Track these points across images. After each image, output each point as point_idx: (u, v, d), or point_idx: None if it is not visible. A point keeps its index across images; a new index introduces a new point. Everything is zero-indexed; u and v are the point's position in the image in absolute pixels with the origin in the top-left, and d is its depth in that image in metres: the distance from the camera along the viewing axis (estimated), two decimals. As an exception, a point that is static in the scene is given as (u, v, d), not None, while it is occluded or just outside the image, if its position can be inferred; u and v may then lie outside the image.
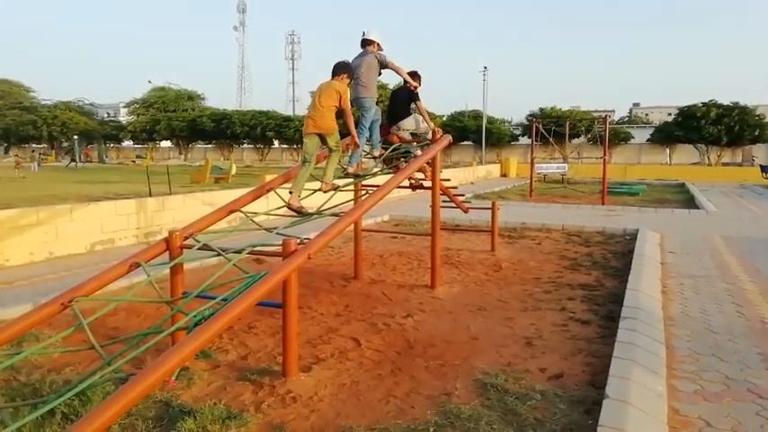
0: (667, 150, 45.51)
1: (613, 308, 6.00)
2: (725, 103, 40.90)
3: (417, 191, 7.90)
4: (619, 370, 4.07)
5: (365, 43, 6.67)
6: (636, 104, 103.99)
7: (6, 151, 66.38)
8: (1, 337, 3.58)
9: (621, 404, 3.55)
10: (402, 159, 7.25)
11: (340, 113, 5.81)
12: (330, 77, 5.82)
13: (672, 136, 43.19)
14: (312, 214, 5.75)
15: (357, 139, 6.21)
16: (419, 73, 7.21)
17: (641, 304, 5.82)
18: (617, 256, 9.09)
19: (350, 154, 6.59)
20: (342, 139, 6.04)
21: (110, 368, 3.25)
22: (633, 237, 10.43)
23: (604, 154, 18.77)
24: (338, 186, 6.34)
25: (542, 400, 3.85)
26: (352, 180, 6.78)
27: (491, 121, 48.10)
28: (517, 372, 4.36)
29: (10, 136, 63.29)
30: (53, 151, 60.17)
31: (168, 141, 62.03)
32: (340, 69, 5.83)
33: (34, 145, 60.39)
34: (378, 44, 6.66)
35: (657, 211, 15.40)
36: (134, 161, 53.25)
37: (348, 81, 5.93)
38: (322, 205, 5.86)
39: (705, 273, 7.78)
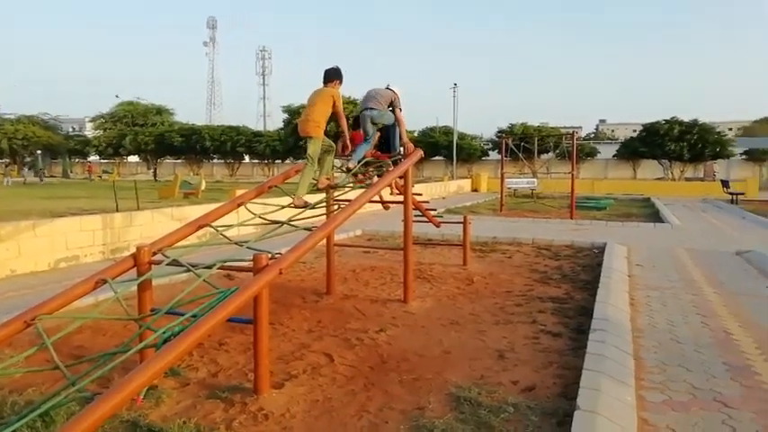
0: (632, 166, 46.68)
1: (583, 320, 6.09)
2: (686, 120, 42.35)
3: (391, 205, 7.94)
4: (589, 381, 4.12)
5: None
6: (602, 121, 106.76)
7: (-35, 167, 64.36)
8: (-41, 358, 3.45)
9: (592, 415, 3.59)
10: (374, 174, 7.28)
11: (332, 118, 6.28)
12: (322, 84, 6.30)
13: (636, 152, 44.38)
14: (316, 204, 6.33)
15: (348, 141, 6.67)
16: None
17: (610, 316, 5.92)
18: (586, 269, 9.24)
19: (348, 155, 6.97)
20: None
21: (74, 388, 3.15)
22: (601, 250, 10.62)
23: (572, 169, 19.12)
24: (336, 185, 6.71)
25: (515, 413, 3.87)
26: (323, 197, 6.81)
27: (462, 136, 48.67)
28: (490, 385, 4.38)
29: (-31, 150, 61.40)
30: (15, 166, 58.57)
31: (136, 156, 60.99)
32: (332, 75, 6.28)
33: (-3, 160, 58.66)
34: (397, 96, 7.14)
35: (624, 225, 15.73)
36: (100, 176, 52.21)
37: (340, 86, 6.32)
38: (292, 217, 5.84)
39: (671, 285, 7.96)
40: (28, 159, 57.84)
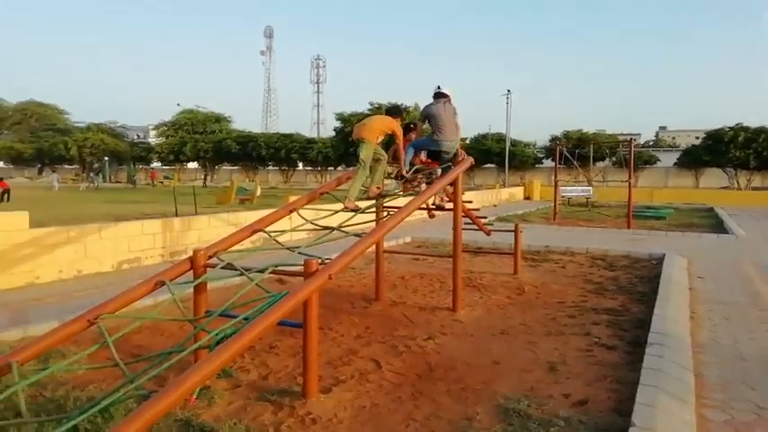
0: (695, 174, 44.79)
1: (640, 333, 5.87)
2: (753, 127, 40.29)
3: (440, 212, 7.91)
4: (645, 397, 3.97)
5: (440, 95, 7.19)
6: (662, 128, 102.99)
7: (40, 172, 68.35)
8: (28, 353, 3.65)
9: (648, 433, 3.46)
10: (425, 181, 7.28)
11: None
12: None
13: (699, 160, 42.57)
14: (366, 209, 6.59)
15: (403, 169, 6.92)
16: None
17: (669, 330, 5.69)
18: (643, 280, 8.92)
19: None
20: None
21: (132, 385, 3.29)
22: (660, 261, 10.24)
23: (629, 177, 18.54)
24: (386, 194, 6.86)
25: (566, 427, 3.77)
26: (374, 201, 6.86)
27: (514, 143, 47.99)
28: (540, 397, 4.29)
29: (43, 157, 65.17)
30: (83, 172, 61.71)
31: (195, 163, 63.10)
32: (395, 112, 6.95)
33: (66, 166, 62.01)
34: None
35: (685, 236, 15.11)
36: (161, 182, 54.27)
37: (399, 121, 6.80)
38: (343, 223, 5.90)
39: (735, 299, 7.58)
40: (96, 165, 60.90)
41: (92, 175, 49.56)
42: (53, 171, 47.04)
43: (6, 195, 27.46)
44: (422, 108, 7.38)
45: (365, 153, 6.32)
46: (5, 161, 71.51)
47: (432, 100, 7.19)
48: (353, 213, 6.23)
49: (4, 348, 5.00)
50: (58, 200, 28.46)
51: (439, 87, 7.22)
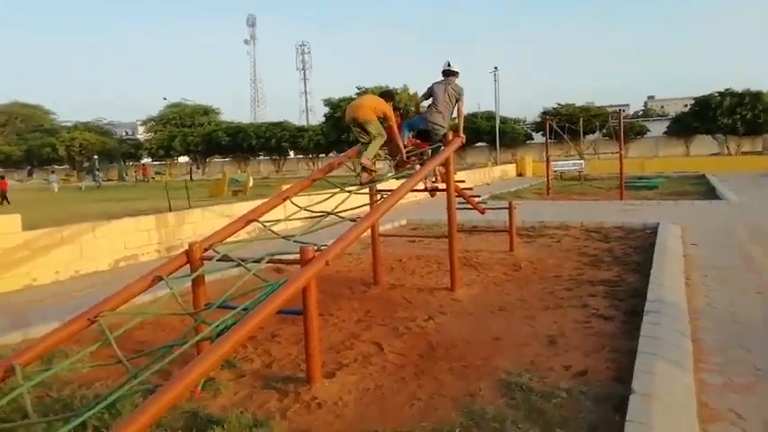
0: (685, 142, 44.88)
1: (636, 302, 5.93)
2: (739, 91, 40.13)
3: (435, 194, 7.92)
4: (644, 365, 4.03)
5: (448, 73, 7.09)
6: (651, 97, 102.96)
7: (30, 174, 67.88)
8: (30, 355, 3.66)
9: (649, 398, 3.51)
10: (417, 162, 7.27)
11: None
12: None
13: (689, 127, 42.65)
14: (382, 179, 6.74)
15: (404, 154, 6.86)
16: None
17: (665, 298, 5.76)
18: (638, 250, 8.99)
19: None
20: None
21: (137, 380, 3.31)
22: (653, 230, 10.31)
23: (620, 149, 18.60)
24: (375, 173, 6.76)
25: (568, 398, 3.83)
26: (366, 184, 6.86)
27: (504, 121, 47.92)
28: (541, 370, 4.34)
29: (32, 158, 64.69)
30: (75, 172, 61.30)
31: (185, 157, 62.74)
32: (387, 96, 6.80)
33: (55, 166, 61.59)
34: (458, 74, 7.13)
35: (677, 204, 15.20)
36: (153, 177, 53.98)
37: (391, 106, 6.68)
38: (335, 207, 5.91)
39: (729, 264, 7.66)
40: (86, 165, 60.49)
41: (96, 173, 49.04)
42: (52, 172, 46.72)
43: (5, 198, 27.44)
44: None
45: (373, 127, 6.34)
46: (-6, 164, 70.94)
47: (440, 76, 7.12)
48: (347, 195, 6.22)
49: (6, 352, 5.00)
50: (54, 200, 28.31)
51: (449, 64, 7.10)
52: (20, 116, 73.29)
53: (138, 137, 71.45)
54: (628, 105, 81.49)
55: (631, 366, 4.05)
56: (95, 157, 55.63)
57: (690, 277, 7.00)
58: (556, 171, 24.44)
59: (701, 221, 11.65)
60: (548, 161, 21.36)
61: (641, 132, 46.71)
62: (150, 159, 64.41)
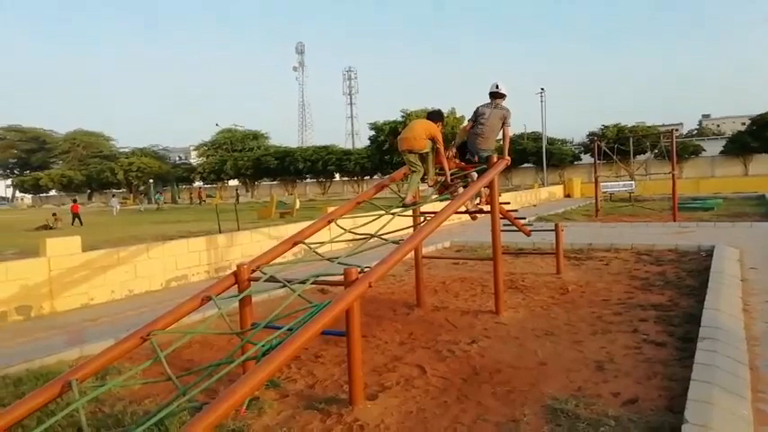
0: (743, 162, 43.11)
1: (690, 328, 5.71)
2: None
3: (479, 215, 7.89)
4: (698, 393, 3.87)
5: (495, 95, 7.15)
6: (705, 116, 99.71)
7: (90, 197, 71.17)
8: (86, 371, 3.82)
9: (703, 429, 3.37)
10: (461, 184, 7.26)
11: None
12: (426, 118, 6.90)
13: (747, 146, 41.00)
14: (425, 201, 6.98)
15: (449, 176, 6.91)
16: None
17: (721, 323, 5.52)
18: (692, 274, 8.66)
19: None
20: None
21: (185, 398, 3.41)
22: (709, 253, 9.92)
23: (672, 169, 18.06)
24: (421, 201, 6.97)
25: (616, 427, 3.71)
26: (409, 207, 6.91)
27: (551, 141, 47.30)
28: (588, 397, 4.22)
29: (92, 183, 67.91)
30: (131, 195, 63.89)
31: (236, 180, 64.47)
32: (436, 117, 6.90)
33: (114, 190, 64.39)
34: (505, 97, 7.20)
35: (735, 226, 14.59)
36: (204, 200, 55.57)
37: (442, 128, 6.81)
38: (379, 229, 5.96)
39: (792, 289, 7.29)
40: (141, 188, 63.02)
41: (157, 196, 50.93)
42: (113, 195, 49.01)
43: (78, 219, 29.06)
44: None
45: (410, 161, 6.59)
46: (57, 188, 74.77)
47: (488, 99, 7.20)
48: (391, 217, 6.30)
49: (63, 368, 5.24)
50: (114, 222, 29.55)
51: (497, 86, 7.14)
52: (82, 143, 77.27)
53: (191, 161, 74.01)
54: (681, 124, 79.12)
55: (684, 395, 3.89)
56: (151, 180, 57.90)
57: (748, 302, 6.69)
58: (605, 192, 23.89)
59: (761, 244, 11.14)
60: (596, 182, 20.93)
61: (696, 152, 45.13)
62: (202, 183, 66.48)
